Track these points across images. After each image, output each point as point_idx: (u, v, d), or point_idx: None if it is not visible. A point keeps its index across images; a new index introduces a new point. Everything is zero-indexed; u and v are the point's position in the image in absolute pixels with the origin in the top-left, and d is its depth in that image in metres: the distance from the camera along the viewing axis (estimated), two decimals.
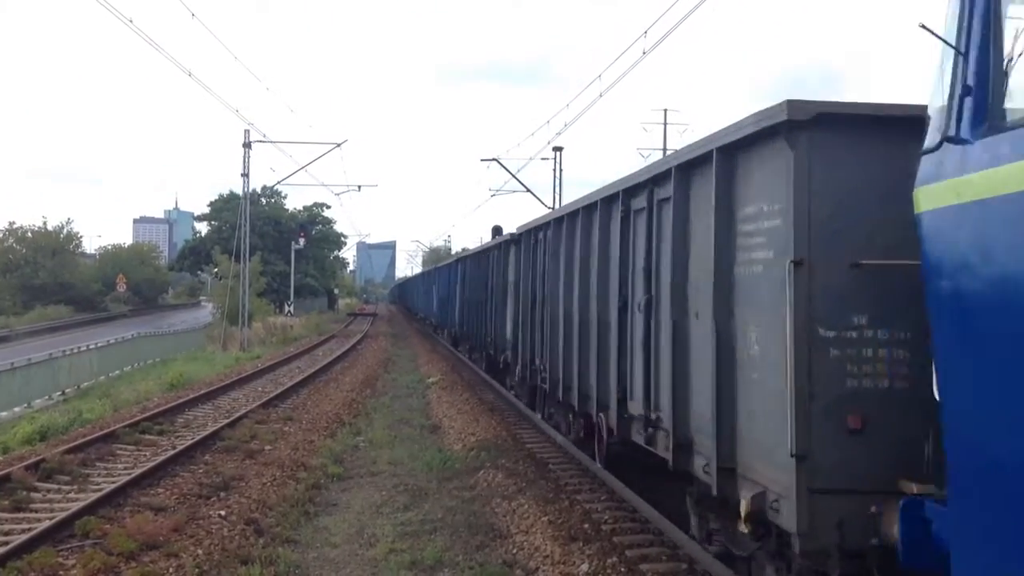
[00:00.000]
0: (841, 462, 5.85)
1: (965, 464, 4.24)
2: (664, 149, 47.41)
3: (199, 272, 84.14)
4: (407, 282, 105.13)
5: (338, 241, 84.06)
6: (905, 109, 5.80)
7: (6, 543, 8.97)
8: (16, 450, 14.55)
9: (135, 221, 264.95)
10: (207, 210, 72.24)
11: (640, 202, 9.42)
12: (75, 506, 10.41)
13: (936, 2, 4.50)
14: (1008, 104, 4.16)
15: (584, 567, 8.56)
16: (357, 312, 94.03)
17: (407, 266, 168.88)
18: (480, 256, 26.48)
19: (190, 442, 14.85)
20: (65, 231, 76.57)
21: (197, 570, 8.58)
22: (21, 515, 10.50)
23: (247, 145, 39.87)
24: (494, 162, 42.40)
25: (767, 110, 6.36)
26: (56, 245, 74.37)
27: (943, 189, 4.38)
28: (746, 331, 6.83)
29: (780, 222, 6.21)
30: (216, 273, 62.71)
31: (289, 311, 59.15)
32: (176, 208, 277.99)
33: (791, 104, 5.96)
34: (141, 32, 24.04)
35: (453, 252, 43.39)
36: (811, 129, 5.96)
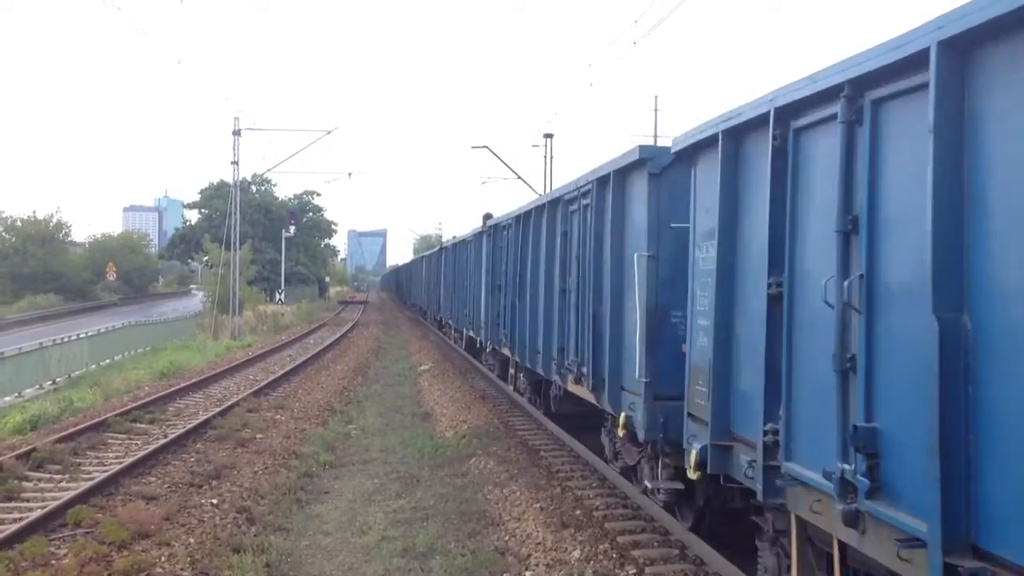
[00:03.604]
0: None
1: None
2: (655, 136, 47.39)
3: (189, 260, 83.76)
4: (398, 270, 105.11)
5: (328, 229, 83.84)
6: None
7: None
8: (7, 439, 14.50)
9: (125, 209, 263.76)
10: (197, 198, 71.87)
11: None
12: (66, 495, 10.40)
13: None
14: None
15: (576, 553, 8.59)
16: (348, 300, 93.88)
17: (399, 254, 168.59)
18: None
19: (181, 431, 14.84)
20: (54, 220, 75.99)
21: (189, 558, 8.58)
22: (12, 504, 10.49)
23: (237, 133, 39.69)
24: (486, 149, 42.38)
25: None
26: (46, 234, 73.68)
27: None
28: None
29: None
30: (206, 261, 62.53)
31: (280, 299, 58.99)
32: (166, 196, 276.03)
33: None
34: (130, 19, 23.92)
35: (444, 240, 43.32)
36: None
